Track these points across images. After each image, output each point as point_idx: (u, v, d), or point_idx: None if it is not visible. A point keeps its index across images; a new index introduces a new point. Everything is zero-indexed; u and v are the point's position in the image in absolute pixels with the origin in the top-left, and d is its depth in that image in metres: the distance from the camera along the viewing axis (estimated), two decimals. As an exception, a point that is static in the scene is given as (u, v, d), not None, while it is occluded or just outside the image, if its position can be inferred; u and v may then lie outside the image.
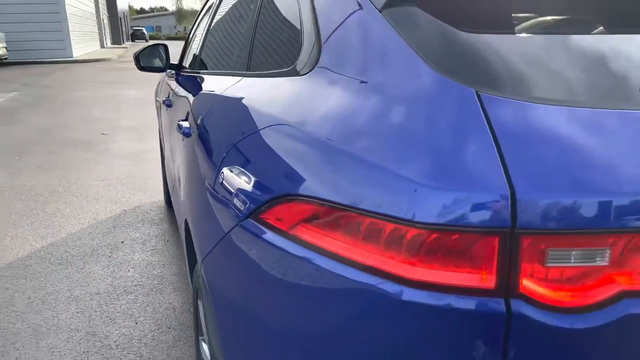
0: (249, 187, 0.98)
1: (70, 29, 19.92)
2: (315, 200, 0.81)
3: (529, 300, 0.68)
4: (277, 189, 0.89)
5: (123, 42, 43.56)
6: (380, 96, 0.85)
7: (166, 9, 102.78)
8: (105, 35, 33.95)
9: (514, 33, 0.89)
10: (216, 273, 1.12)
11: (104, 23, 34.08)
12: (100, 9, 32.42)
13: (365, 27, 0.93)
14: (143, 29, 58.43)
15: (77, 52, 20.95)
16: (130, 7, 78.30)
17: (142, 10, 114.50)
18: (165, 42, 4.38)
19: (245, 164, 1.03)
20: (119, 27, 42.22)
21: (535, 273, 0.67)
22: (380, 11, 0.93)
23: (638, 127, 0.73)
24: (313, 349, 0.82)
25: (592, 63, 0.85)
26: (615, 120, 0.74)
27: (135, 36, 54.26)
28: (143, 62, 2.83)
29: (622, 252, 0.68)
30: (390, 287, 0.72)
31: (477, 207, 0.66)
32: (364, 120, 0.83)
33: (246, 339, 0.99)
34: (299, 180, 0.85)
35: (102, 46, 31.84)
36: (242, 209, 0.98)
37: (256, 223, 0.92)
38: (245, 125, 1.14)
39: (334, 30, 1.02)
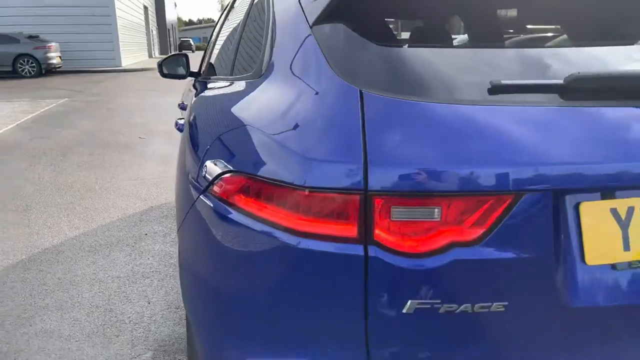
0: (206, 169, 1.20)
1: (120, 40, 20.95)
2: (245, 174, 1.02)
3: (381, 246, 0.87)
4: (221, 168, 1.11)
5: (170, 52, 45.14)
6: (296, 93, 1.06)
7: (213, 21, 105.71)
8: (153, 45, 35.34)
9: (398, 47, 1.08)
10: (184, 238, 1.35)
11: (152, 34, 35.49)
12: (150, 21, 33.81)
13: (299, 40, 1.15)
14: (190, 39, 60.30)
15: (126, 62, 21.98)
16: (179, 19, 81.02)
17: (190, 22, 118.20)
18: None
19: (206, 152, 1.26)
20: (167, 38, 43.84)
21: (385, 225, 0.87)
22: (310, 27, 1.14)
23: (469, 117, 0.91)
24: (238, 281, 1.06)
25: (453, 70, 1.04)
26: (456, 111, 0.92)
27: (183, 47, 56.04)
28: (166, 69, 3.12)
29: (451, 211, 0.87)
30: (292, 239, 0.93)
31: (342, 175, 0.87)
32: (281, 111, 1.04)
33: (199, 287, 1.22)
34: (235, 160, 1.08)
35: (150, 56, 33.15)
36: (201, 185, 1.21)
37: (209, 194, 1.15)
38: (210, 120, 1.38)
39: (280, 43, 1.24)
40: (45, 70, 17.11)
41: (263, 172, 0.98)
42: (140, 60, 27.09)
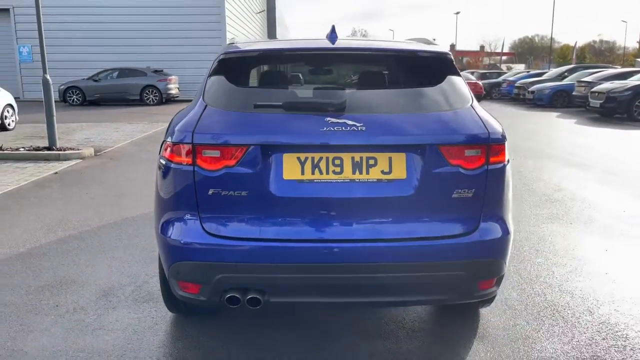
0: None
1: (229, 73, 23.68)
2: (167, 142, 2.34)
3: (199, 167, 2.15)
4: (164, 139, 2.44)
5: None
6: (192, 106, 2.38)
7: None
8: (262, 77, 38.74)
9: (229, 86, 2.35)
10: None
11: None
12: (260, 55, 37.11)
13: (204, 82, 2.47)
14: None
15: (233, 92, 24.63)
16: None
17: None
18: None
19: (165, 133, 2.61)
20: (276, 71, 47.52)
21: (201, 157, 2.14)
22: (208, 77, 2.46)
23: (238, 117, 2.18)
24: (160, 187, 2.36)
25: (246, 97, 2.31)
26: (235, 114, 2.19)
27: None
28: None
29: (224, 152, 2.11)
30: (176, 166, 2.22)
31: (184, 136, 2.16)
32: (185, 112, 2.38)
33: (156, 200, 2.54)
34: (167, 135, 2.39)
35: (259, 87, 36.32)
36: (159, 152, 2.54)
37: (161, 155, 2.47)
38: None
39: (203, 82, 2.59)
40: (165, 99, 19.91)
41: (169, 139, 2.30)
42: (248, 91, 29.93)
